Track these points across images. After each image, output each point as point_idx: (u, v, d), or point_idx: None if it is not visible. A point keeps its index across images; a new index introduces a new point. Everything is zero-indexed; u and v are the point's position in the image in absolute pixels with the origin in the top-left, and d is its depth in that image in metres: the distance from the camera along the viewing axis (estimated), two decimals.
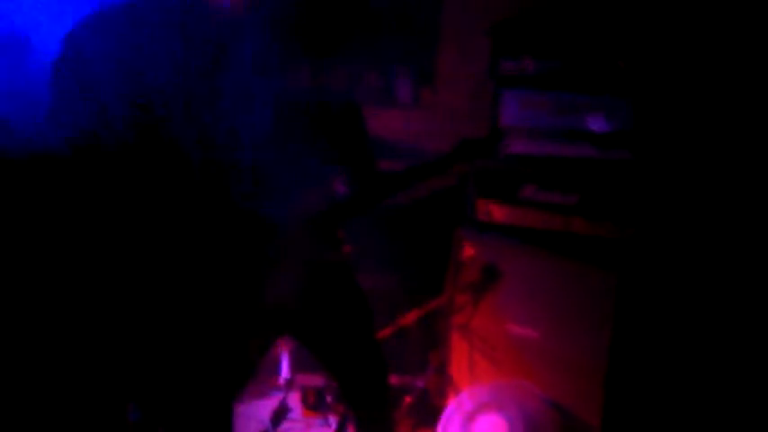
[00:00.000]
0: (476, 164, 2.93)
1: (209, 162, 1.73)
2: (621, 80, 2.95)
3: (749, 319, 2.70)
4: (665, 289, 2.77)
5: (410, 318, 3.13)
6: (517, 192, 2.96)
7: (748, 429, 2.69)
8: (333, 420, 3.15)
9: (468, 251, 3.00)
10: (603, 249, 2.77)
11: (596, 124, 2.97)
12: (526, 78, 3.02)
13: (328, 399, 3.16)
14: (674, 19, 2.94)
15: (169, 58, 1.53)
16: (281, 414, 3.08)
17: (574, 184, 2.90)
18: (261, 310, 2.07)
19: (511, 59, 3.05)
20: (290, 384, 3.22)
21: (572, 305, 2.80)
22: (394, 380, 2.91)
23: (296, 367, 3.27)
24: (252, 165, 1.83)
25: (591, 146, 2.92)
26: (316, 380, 3.27)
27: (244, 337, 2.08)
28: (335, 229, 2.30)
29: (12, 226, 1.65)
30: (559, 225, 2.87)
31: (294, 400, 3.23)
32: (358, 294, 2.40)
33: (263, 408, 3.18)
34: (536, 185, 2.94)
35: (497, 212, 3.00)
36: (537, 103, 3.01)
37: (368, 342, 2.39)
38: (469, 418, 2.81)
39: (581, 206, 2.84)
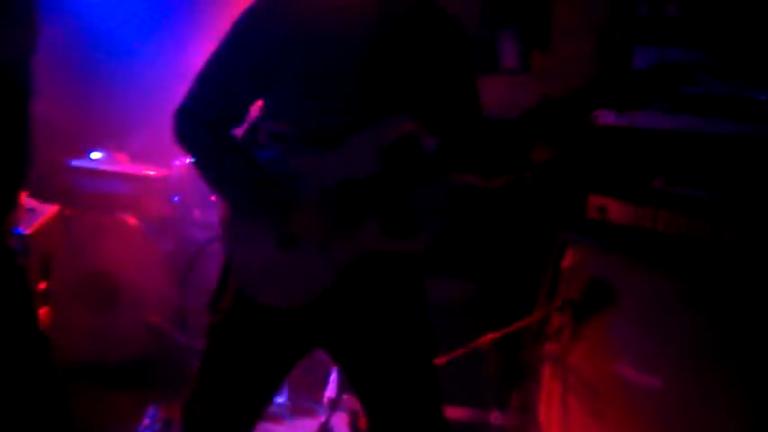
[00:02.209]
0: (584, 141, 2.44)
1: None
2: None
3: None
4: None
5: (488, 339, 2.64)
6: (643, 183, 2.40)
7: None
8: None
9: (572, 261, 2.54)
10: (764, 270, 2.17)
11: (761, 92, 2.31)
12: (666, 30, 2.40)
13: None
14: None
15: None
16: None
17: (725, 175, 2.29)
18: (265, 311, 1.65)
19: (647, 3, 2.35)
20: (334, 405, 2.93)
21: (711, 346, 2.22)
22: (460, 413, 2.70)
23: (346, 386, 2.95)
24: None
25: (752, 122, 2.31)
26: None
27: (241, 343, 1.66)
28: (400, 204, 1.69)
29: None
30: (702, 232, 2.26)
31: (341, 423, 2.99)
32: (419, 303, 1.79)
33: (304, 428, 3.09)
34: (670, 175, 2.35)
35: (615, 211, 2.46)
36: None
37: (420, 371, 1.78)
38: None
39: (734, 207, 2.23)
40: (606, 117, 2.41)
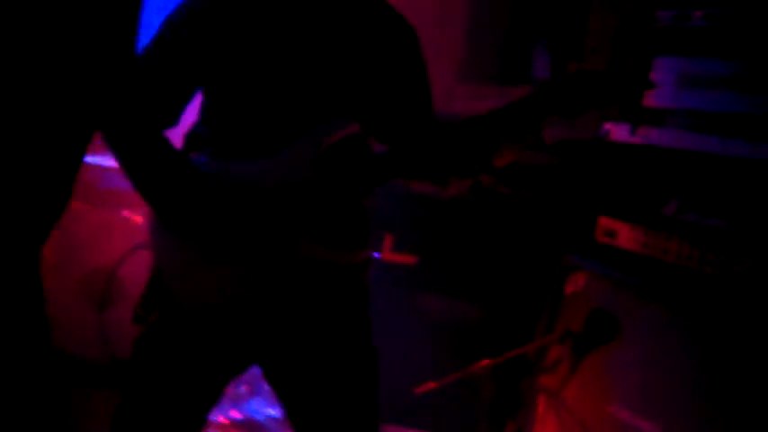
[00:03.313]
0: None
1: None
2: None
3: None
4: None
5: (482, 365, 2.38)
6: (655, 207, 2.13)
7: None
8: None
9: (576, 287, 2.31)
10: None
11: None
12: (691, 38, 2.11)
13: None
14: None
15: None
16: None
17: (745, 202, 1.98)
18: (196, 320, 1.53)
19: (669, 9, 2.11)
20: None
21: (718, 393, 1.92)
22: None
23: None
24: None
25: None
26: None
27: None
28: (341, 212, 1.53)
29: None
30: (715, 266, 1.97)
31: None
32: (356, 319, 1.64)
33: None
34: (684, 200, 2.08)
35: (624, 236, 2.21)
36: (704, 76, 2.07)
37: (353, 390, 1.62)
38: None
39: (750, 239, 1.93)
40: (618, 133, 2.20)
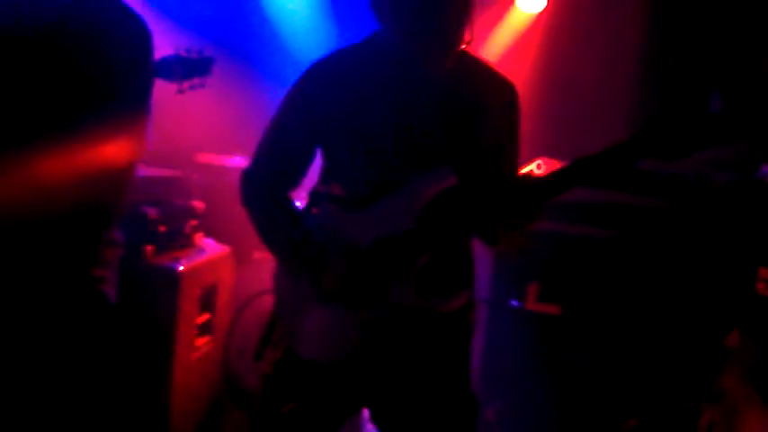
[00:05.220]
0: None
1: None
2: None
3: None
4: None
5: (628, 426, 2.24)
6: None
7: None
8: None
9: (735, 345, 2.14)
10: None
11: None
12: None
13: None
14: None
15: None
16: None
17: None
18: (309, 364, 1.63)
19: None
20: None
21: None
22: None
23: None
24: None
25: None
26: None
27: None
28: (439, 261, 1.56)
29: None
30: None
31: None
32: (455, 363, 1.67)
33: None
34: None
35: None
36: None
37: None
38: None
39: None
40: None
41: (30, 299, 1.47)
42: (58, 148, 1.40)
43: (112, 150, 1.45)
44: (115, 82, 1.46)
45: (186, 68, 2.25)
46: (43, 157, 1.39)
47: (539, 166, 2.55)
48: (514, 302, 2.53)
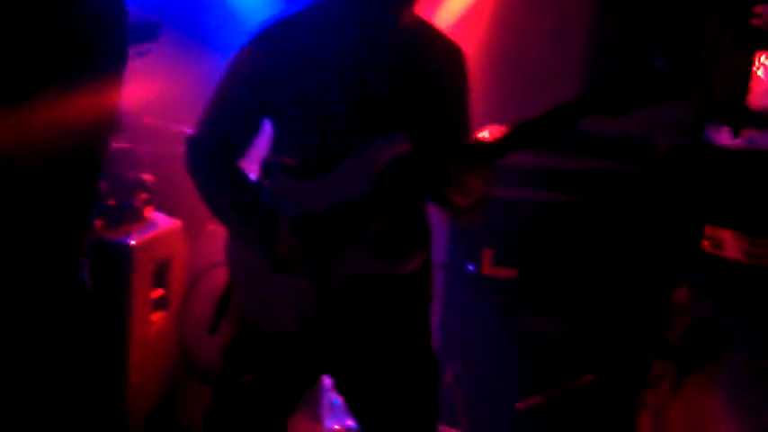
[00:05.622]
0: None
1: None
2: None
3: None
4: None
5: (583, 381, 2.30)
6: (762, 215, 2.02)
7: None
8: None
9: (682, 302, 2.23)
10: None
11: None
12: None
13: None
14: None
15: None
16: None
17: None
18: (266, 335, 1.63)
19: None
20: None
21: None
22: None
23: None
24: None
25: None
26: None
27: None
28: (394, 225, 1.58)
29: None
30: None
31: None
32: (415, 326, 1.69)
33: None
34: None
35: (730, 246, 2.10)
36: None
37: (415, 397, 1.66)
38: None
39: None
40: (722, 138, 2.08)
41: (17, 285, 1.44)
42: (43, 100, 1.36)
43: (93, 103, 1.41)
44: (96, 33, 1.42)
45: (133, 34, 2.20)
46: (29, 108, 1.35)
47: (490, 134, 2.58)
48: (471, 267, 2.58)
